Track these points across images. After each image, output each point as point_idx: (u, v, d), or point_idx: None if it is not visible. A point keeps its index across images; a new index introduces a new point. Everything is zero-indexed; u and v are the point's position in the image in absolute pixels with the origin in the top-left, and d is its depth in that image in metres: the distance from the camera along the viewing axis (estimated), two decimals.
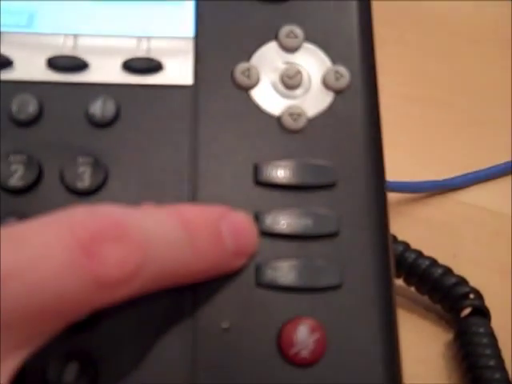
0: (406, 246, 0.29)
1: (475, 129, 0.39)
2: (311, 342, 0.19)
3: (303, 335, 0.19)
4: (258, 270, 0.20)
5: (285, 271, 0.20)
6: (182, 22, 0.23)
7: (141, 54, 0.22)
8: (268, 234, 0.20)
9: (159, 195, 0.20)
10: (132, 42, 0.23)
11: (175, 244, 0.16)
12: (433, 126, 0.38)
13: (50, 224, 0.14)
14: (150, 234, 0.15)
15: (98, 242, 0.14)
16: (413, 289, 0.30)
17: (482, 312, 0.28)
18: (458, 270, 0.30)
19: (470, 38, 0.48)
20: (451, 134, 0.38)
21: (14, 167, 0.20)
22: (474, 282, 0.30)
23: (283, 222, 0.20)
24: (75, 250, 0.14)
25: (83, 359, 0.18)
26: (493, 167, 0.37)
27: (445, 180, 0.36)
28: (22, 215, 0.20)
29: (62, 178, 0.20)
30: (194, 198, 0.20)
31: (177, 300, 0.19)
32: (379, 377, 0.19)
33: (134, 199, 0.20)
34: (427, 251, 0.30)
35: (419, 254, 0.29)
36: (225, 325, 0.19)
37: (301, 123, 0.22)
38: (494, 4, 0.50)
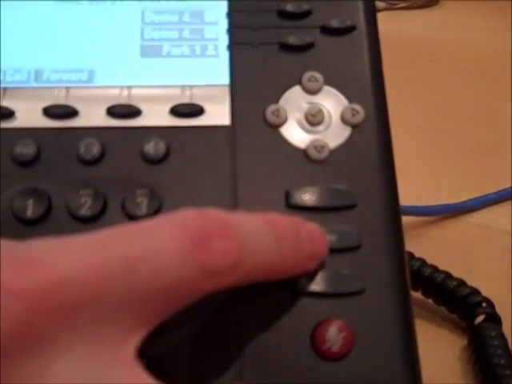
0: (423, 261, 0.33)
1: (483, 156, 0.42)
2: (340, 339, 0.22)
3: (333, 333, 0.22)
4: (293, 279, 0.23)
5: (316, 280, 0.23)
6: (218, 71, 0.27)
7: (185, 100, 0.26)
8: None
9: None
10: (177, 91, 0.26)
11: (265, 241, 0.18)
12: (443, 154, 0.42)
13: (165, 221, 0.17)
14: (246, 232, 0.18)
15: (205, 236, 0.16)
16: (430, 300, 0.33)
17: (493, 319, 0.31)
18: (471, 283, 0.33)
19: (479, 71, 0.51)
20: (461, 161, 0.42)
21: (83, 199, 0.24)
22: (485, 293, 0.33)
23: None
24: (187, 242, 0.16)
25: (149, 359, 0.22)
26: (501, 191, 0.40)
27: (457, 203, 0.39)
28: None
29: (123, 208, 0.24)
30: None
31: (224, 303, 0.23)
32: (400, 371, 0.23)
33: None
34: (442, 268, 0.34)
35: (435, 268, 0.32)
36: (266, 327, 0.23)
37: (324, 154, 0.25)
38: (503, 39, 0.53)
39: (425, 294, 0.33)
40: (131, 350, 0.16)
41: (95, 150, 0.25)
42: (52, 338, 0.14)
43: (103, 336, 0.15)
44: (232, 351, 0.22)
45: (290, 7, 0.28)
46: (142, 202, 0.24)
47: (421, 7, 0.63)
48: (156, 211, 0.24)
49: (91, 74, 0.27)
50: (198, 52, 0.27)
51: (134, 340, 0.16)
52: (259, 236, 0.19)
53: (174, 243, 0.16)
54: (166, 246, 0.16)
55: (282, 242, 0.20)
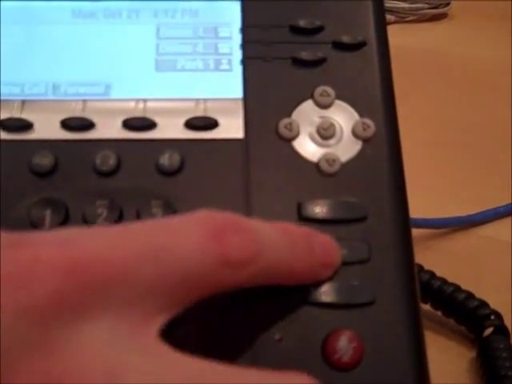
0: (432, 274, 0.33)
1: (492, 169, 0.42)
2: (350, 349, 0.23)
3: (344, 343, 0.23)
4: (305, 290, 0.24)
5: (327, 291, 0.24)
6: (231, 85, 0.28)
7: (199, 113, 0.27)
8: None
9: None
10: (191, 104, 0.27)
11: (279, 243, 0.20)
12: (453, 167, 0.42)
13: (188, 218, 0.18)
14: (260, 231, 0.19)
15: (224, 232, 0.18)
16: (439, 313, 0.33)
17: (502, 331, 0.31)
18: (480, 296, 0.33)
19: (488, 84, 0.52)
20: (470, 173, 0.42)
21: (99, 210, 0.24)
22: (494, 306, 0.33)
23: None
24: (208, 237, 0.17)
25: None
26: (510, 204, 0.40)
27: (466, 216, 0.40)
28: None
29: (138, 218, 0.24)
30: None
31: (237, 315, 0.23)
32: (410, 381, 0.23)
33: None
34: (451, 280, 0.34)
35: (444, 281, 0.33)
36: (278, 336, 0.23)
37: (335, 168, 0.26)
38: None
39: (434, 306, 0.33)
40: (155, 331, 0.17)
41: (111, 161, 0.25)
42: (83, 310, 0.16)
43: (129, 314, 0.16)
44: (244, 361, 0.23)
45: (302, 23, 0.28)
46: (157, 213, 0.24)
47: (429, 20, 0.63)
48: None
49: (107, 87, 0.27)
50: (211, 66, 0.28)
51: (158, 323, 0.17)
52: (273, 237, 0.20)
53: (196, 237, 0.17)
54: (189, 239, 0.17)
55: (295, 245, 0.21)
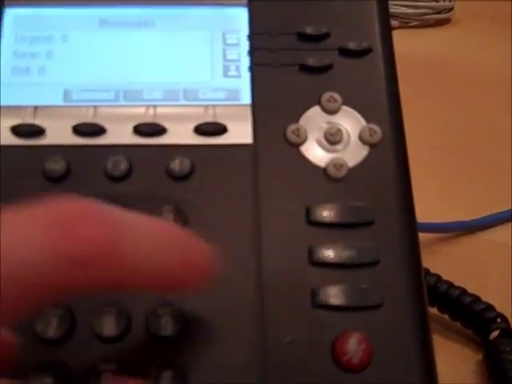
0: (438, 277, 0.33)
1: (498, 173, 0.43)
2: (360, 351, 0.23)
3: (353, 345, 0.23)
4: (313, 293, 0.24)
5: (335, 294, 0.24)
6: (240, 91, 0.28)
7: (208, 119, 0.27)
8: (320, 264, 0.25)
9: (228, 233, 0.25)
10: (200, 110, 0.27)
11: (146, 241, 0.17)
12: (457, 172, 0.43)
13: (28, 210, 0.15)
14: (124, 223, 0.17)
15: (69, 222, 0.15)
16: (446, 316, 0.34)
17: (508, 334, 0.31)
18: (486, 299, 0.34)
19: (491, 88, 0.52)
20: (475, 178, 0.42)
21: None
22: (500, 309, 0.33)
23: (332, 253, 0.25)
24: (50, 229, 0.15)
25: (174, 368, 0.23)
26: None
27: (472, 220, 0.40)
28: None
29: None
30: (258, 236, 0.25)
31: (247, 317, 0.23)
32: (418, 382, 0.23)
33: (210, 236, 0.24)
34: (457, 284, 0.34)
35: (450, 284, 0.33)
36: (288, 339, 0.23)
37: (343, 172, 0.26)
38: None
39: (440, 309, 0.33)
40: None
41: (122, 166, 0.26)
42: None
43: None
44: (255, 363, 0.23)
45: (309, 30, 0.29)
46: (168, 218, 0.25)
47: (433, 26, 0.64)
48: (181, 225, 0.25)
49: (117, 93, 0.28)
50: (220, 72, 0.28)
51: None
52: (139, 233, 0.17)
53: (36, 232, 0.15)
54: (27, 237, 0.15)
55: (164, 248, 0.18)
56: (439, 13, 0.62)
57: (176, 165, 0.26)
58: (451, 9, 0.62)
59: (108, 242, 0.16)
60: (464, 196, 0.41)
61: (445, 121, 0.48)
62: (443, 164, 0.43)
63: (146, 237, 0.17)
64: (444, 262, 0.38)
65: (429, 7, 0.62)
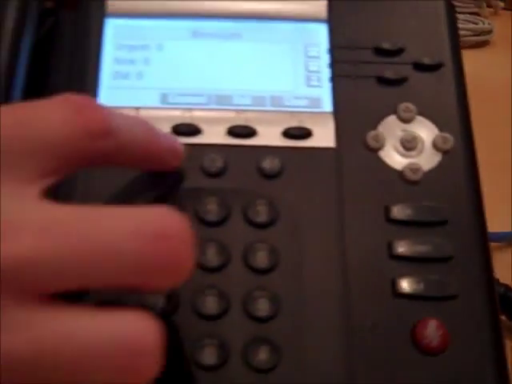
0: (507, 287, 0.35)
1: None
2: (438, 336, 0.25)
3: (432, 330, 0.25)
4: (393, 284, 0.27)
5: (413, 284, 0.26)
6: (321, 100, 0.31)
7: (294, 124, 0.30)
8: (398, 258, 0.27)
9: (316, 228, 0.27)
10: (286, 116, 0.30)
11: (135, 127, 0.22)
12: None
13: (49, 99, 0.19)
14: (116, 114, 0.21)
15: (84, 108, 0.19)
16: None
17: None
18: None
19: None
20: None
21: (209, 207, 0.27)
22: None
23: (409, 248, 0.27)
24: (69, 111, 0.19)
25: (271, 344, 0.25)
26: None
27: None
28: (217, 242, 0.27)
29: (244, 215, 0.27)
30: (342, 232, 0.27)
31: (334, 305, 0.26)
32: (490, 367, 0.26)
33: (299, 230, 0.27)
34: None
35: None
36: (370, 324, 0.26)
37: (419, 175, 0.29)
38: None
39: (510, 317, 0.35)
40: (36, 191, 0.19)
41: (218, 164, 0.28)
42: None
43: (8, 178, 0.18)
44: (340, 346, 0.25)
45: (385, 45, 0.31)
46: (262, 211, 0.27)
47: (472, 47, 0.66)
48: (274, 219, 0.27)
49: (209, 97, 0.30)
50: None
51: (37, 186, 0.19)
52: (129, 121, 0.22)
53: (60, 112, 0.19)
54: (54, 113, 0.19)
55: (149, 131, 0.22)
56: (478, 35, 0.65)
57: (267, 164, 0.28)
58: (490, 31, 0.65)
59: (112, 123, 0.20)
60: None
61: (489, 138, 0.50)
62: (496, 178, 0.45)
63: (137, 125, 0.22)
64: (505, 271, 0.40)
65: (468, 29, 0.65)
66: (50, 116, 0.19)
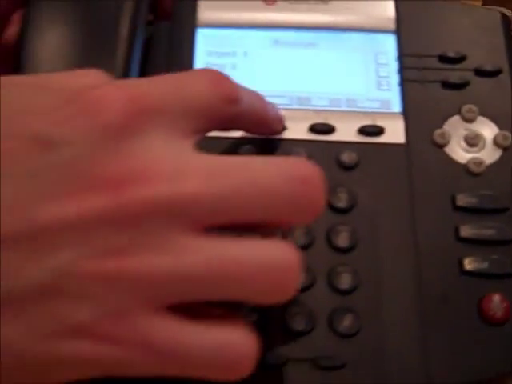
0: None
1: None
2: (502, 308, 0.29)
3: (496, 303, 0.29)
4: (460, 263, 0.30)
5: (478, 263, 0.30)
6: (391, 102, 0.34)
7: (368, 122, 0.33)
8: (464, 240, 0.30)
9: (389, 214, 0.31)
10: (361, 115, 0.34)
11: (254, 98, 0.27)
12: None
13: (193, 72, 0.25)
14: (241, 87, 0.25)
15: (222, 79, 0.24)
16: None
17: None
18: None
19: None
20: None
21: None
22: None
23: (475, 231, 0.31)
24: (211, 81, 0.23)
25: (353, 313, 0.29)
26: None
27: None
28: (302, 226, 0.30)
29: (327, 201, 0.31)
30: (413, 218, 0.31)
31: (408, 281, 0.29)
32: None
33: (374, 216, 0.31)
34: None
35: None
36: (440, 298, 0.29)
37: (482, 168, 0.32)
38: None
39: None
40: (191, 144, 0.22)
41: (302, 156, 0.32)
42: (142, 126, 0.21)
43: (172, 131, 0.22)
44: (413, 318, 0.29)
45: (449, 53, 0.35)
46: (342, 197, 0.31)
47: None
48: (353, 205, 0.31)
49: (291, 99, 0.34)
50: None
51: (191, 140, 0.22)
52: (250, 92, 0.26)
53: (204, 81, 0.23)
54: (200, 83, 0.23)
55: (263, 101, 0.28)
56: None
57: (345, 157, 0.32)
58: None
59: (241, 92, 0.25)
60: None
61: None
62: None
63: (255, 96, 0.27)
64: None
65: None
66: (196, 84, 0.23)
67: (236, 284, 0.20)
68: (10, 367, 0.19)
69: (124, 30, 0.30)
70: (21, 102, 0.21)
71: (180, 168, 0.20)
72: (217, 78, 0.24)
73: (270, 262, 0.21)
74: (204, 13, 0.36)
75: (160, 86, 0.22)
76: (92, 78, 0.22)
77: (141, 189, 0.19)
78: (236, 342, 0.21)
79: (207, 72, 0.24)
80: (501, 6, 0.39)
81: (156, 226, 0.20)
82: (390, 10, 0.36)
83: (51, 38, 0.30)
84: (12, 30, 0.34)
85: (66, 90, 0.21)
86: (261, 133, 0.28)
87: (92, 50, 0.30)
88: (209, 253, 0.20)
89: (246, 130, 0.28)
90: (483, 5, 0.44)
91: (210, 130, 0.24)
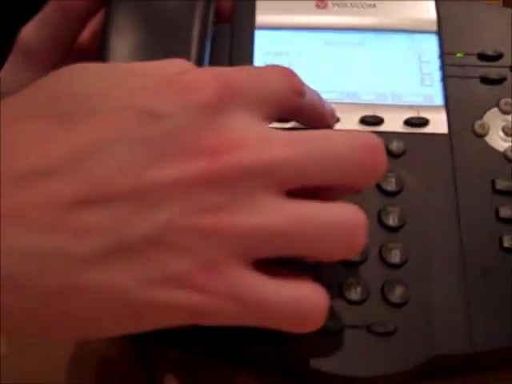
0: None
1: None
2: None
3: None
4: (501, 241, 0.33)
5: None
6: (434, 96, 0.38)
7: (414, 114, 0.37)
8: (504, 220, 0.34)
9: (435, 198, 0.34)
10: (406, 108, 0.37)
11: (315, 95, 0.30)
12: None
13: (267, 67, 0.27)
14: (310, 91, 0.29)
15: (291, 73, 0.27)
16: None
17: None
18: None
19: None
20: None
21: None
22: None
23: None
24: (283, 74, 0.27)
25: (403, 285, 0.32)
26: None
27: None
28: None
29: (377, 185, 0.34)
30: (456, 200, 0.34)
31: (453, 257, 0.33)
32: None
33: (421, 199, 0.34)
34: None
35: None
36: (483, 272, 0.32)
37: None
38: None
39: None
40: (266, 125, 0.26)
41: None
42: (229, 106, 0.24)
43: (251, 113, 0.25)
44: (458, 291, 0.32)
45: (488, 51, 0.38)
46: (392, 182, 0.34)
47: None
48: (401, 189, 0.34)
49: (341, 94, 0.38)
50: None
51: (266, 123, 0.26)
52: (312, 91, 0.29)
53: (277, 75, 0.27)
54: (274, 76, 0.26)
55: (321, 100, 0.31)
56: None
57: (394, 146, 0.35)
58: None
59: (305, 86, 0.28)
60: None
61: None
62: None
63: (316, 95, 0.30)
64: None
65: None
66: (271, 76, 0.27)
67: (313, 240, 0.24)
68: (111, 309, 0.22)
69: (196, 30, 0.34)
70: (123, 83, 0.24)
71: (266, 138, 0.24)
72: (287, 72, 0.27)
73: (341, 221, 0.24)
74: (261, 16, 0.40)
75: (243, 74, 0.26)
76: (177, 65, 0.26)
77: (234, 155, 0.23)
78: (310, 296, 0.24)
79: (279, 67, 0.27)
80: None
81: (247, 188, 0.23)
82: (431, 12, 0.40)
83: (130, 37, 0.33)
84: (86, 33, 0.38)
85: (159, 77, 0.25)
86: (316, 126, 0.30)
87: (167, 50, 0.33)
88: (291, 212, 0.23)
89: (304, 123, 0.31)
90: (503, 5, 0.47)
91: (279, 117, 0.28)
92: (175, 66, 0.25)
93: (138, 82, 0.24)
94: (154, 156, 0.22)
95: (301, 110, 0.28)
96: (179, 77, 0.24)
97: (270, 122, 0.27)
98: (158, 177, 0.22)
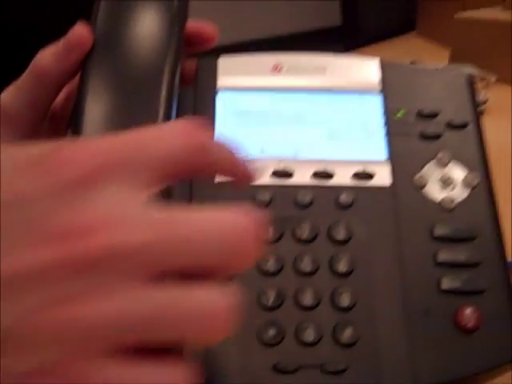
0: None
1: None
2: (473, 318, 0.36)
3: (469, 315, 0.36)
4: (438, 283, 0.37)
5: (454, 282, 0.37)
6: (379, 151, 0.42)
7: (360, 169, 0.40)
8: (441, 264, 0.37)
9: (379, 243, 0.38)
10: (355, 164, 0.41)
11: (223, 149, 0.25)
12: None
13: (169, 124, 0.25)
14: (215, 143, 0.25)
15: (197, 130, 0.24)
16: None
17: None
18: None
19: None
20: None
21: (302, 226, 0.38)
22: None
23: (450, 257, 0.37)
24: (187, 133, 0.24)
25: (353, 326, 0.35)
26: None
27: None
28: (309, 254, 0.37)
29: (328, 234, 0.38)
30: (399, 245, 0.38)
31: (392, 298, 0.36)
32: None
33: (369, 245, 0.38)
34: None
35: None
36: (424, 311, 0.36)
37: (453, 205, 0.39)
38: None
39: None
40: (145, 197, 0.23)
41: (307, 198, 0.39)
42: (97, 182, 0.22)
43: (128, 184, 0.22)
44: (402, 327, 0.36)
45: (425, 110, 0.42)
46: (341, 231, 0.38)
47: None
48: (349, 238, 0.38)
49: (296, 150, 0.41)
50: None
51: (150, 191, 0.23)
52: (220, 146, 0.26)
53: (173, 132, 0.24)
54: (168, 135, 0.24)
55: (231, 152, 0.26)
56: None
57: (343, 198, 0.39)
58: (485, 102, 0.77)
59: (213, 142, 0.25)
60: None
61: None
62: None
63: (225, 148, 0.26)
64: None
65: None
66: (164, 135, 0.24)
67: (172, 328, 0.22)
68: None
69: (164, 91, 0.37)
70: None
71: (128, 220, 0.21)
72: (189, 129, 0.24)
73: (200, 309, 0.22)
74: (222, 77, 0.43)
75: (124, 140, 0.23)
76: (57, 141, 0.23)
77: (86, 240, 0.20)
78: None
79: (182, 124, 0.24)
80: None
81: (102, 275, 0.20)
82: (376, 74, 0.44)
83: (103, 100, 0.36)
84: (60, 97, 0.41)
85: (34, 154, 0.23)
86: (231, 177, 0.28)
87: (137, 112, 0.36)
88: (150, 300, 0.21)
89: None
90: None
91: (177, 177, 0.25)
92: (54, 143, 0.23)
93: (10, 163, 0.22)
94: (7, 243, 0.20)
95: (207, 166, 0.25)
96: (53, 153, 0.22)
97: (164, 183, 0.24)
98: (9, 267, 0.20)
